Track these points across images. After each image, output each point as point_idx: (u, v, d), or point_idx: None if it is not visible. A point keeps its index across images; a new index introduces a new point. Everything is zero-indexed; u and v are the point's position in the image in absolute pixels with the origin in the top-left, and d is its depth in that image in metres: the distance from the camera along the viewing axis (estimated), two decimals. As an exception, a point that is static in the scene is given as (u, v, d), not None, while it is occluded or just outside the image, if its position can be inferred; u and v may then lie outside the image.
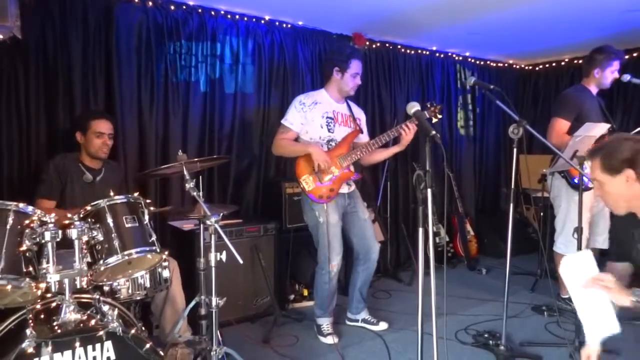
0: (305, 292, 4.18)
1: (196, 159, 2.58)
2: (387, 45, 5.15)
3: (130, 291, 2.51)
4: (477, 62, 6.05)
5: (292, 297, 4.16)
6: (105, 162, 3.18)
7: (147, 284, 2.59)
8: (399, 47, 5.26)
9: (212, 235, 2.42)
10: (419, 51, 5.45)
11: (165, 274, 2.70)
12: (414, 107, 2.21)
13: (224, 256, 2.43)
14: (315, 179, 3.22)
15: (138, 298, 2.58)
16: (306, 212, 3.38)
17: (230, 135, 4.17)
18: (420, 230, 1.82)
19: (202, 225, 2.88)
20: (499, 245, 5.56)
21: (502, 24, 4.49)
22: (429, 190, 1.80)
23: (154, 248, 2.27)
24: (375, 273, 3.77)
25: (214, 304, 2.49)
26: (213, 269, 2.46)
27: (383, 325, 3.62)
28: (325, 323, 3.45)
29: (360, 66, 3.35)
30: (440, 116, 3.47)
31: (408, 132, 3.25)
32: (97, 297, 2.22)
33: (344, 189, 3.38)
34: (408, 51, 5.35)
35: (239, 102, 4.19)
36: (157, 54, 3.74)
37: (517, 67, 6.49)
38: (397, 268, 5.12)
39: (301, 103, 3.30)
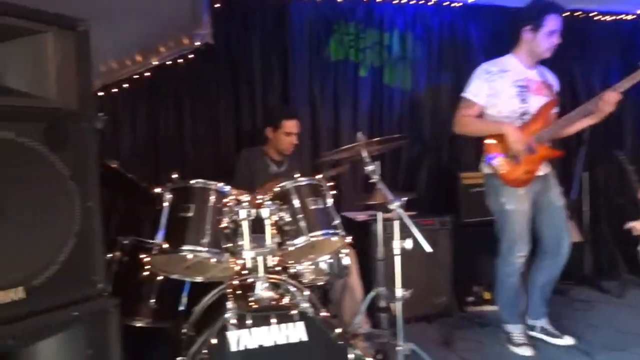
0: (487, 296, 3.74)
1: (376, 138, 2.44)
2: (577, 14, 4.42)
3: (313, 276, 2.48)
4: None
5: (471, 299, 3.77)
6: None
7: (328, 270, 2.54)
8: (593, 14, 4.47)
9: (396, 222, 2.25)
10: (619, 17, 4.55)
11: (346, 261, 2.62)
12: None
13: (408, 244, 2.23)
14: (510, 161, 2.80)
15: (319, 283, 2.54)
16: (490, 196, 2.95)
17: (400, 122, 4.01)
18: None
19: (381, 213, 2.76)
20: None
21: None
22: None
23: (337, 231, 2.19)
24: (568, 279, 3.15)
25: (398, 295, 2.31)
26: (397, 258, 2.29)
27: (568, 340, 2.97)
28: (517, 331, 2.98)
29: (558, 22, 2.80)
30: None
31: (609, 101, 2.65)
32: (286, 278, 2.24)
33: (541, 171, 2.89)
34: (604, 18, 4.51)
35: (408, 87, 4.01)
36: (326, 45, 3.79)
37: None
38: (598, 275, 4.29)
39: (487, 72, 2.88)
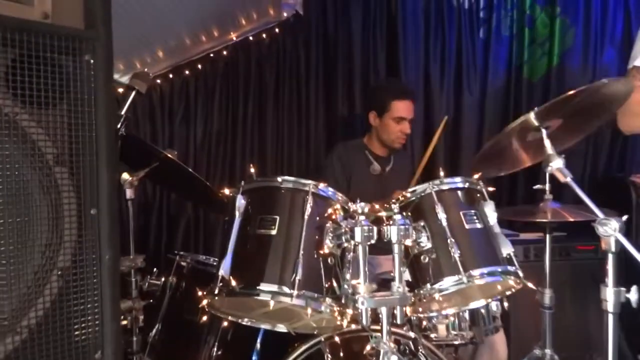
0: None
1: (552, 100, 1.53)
2: None
3: (452, 330, 1.63)
4: None
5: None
6: (393, 148, 2.48)
7: (472, 322, 1.67)
8: None
9: (610, 257, 1.33)
10: None
11: (496, 308, 1.73)
12: None
13: (634, 295, 1.30)
14: None
15: (457, 343, 1.68)
16: None
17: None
18: None
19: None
20: None
21: None
22: None
23: (511, 268, 1.32)
24: None
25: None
26: (610, 317, 1.36)
27: None
28: None
29: None
30: None
31: None
32: (415, 336, 1.42)
33: None
34: None
35: (556, 66, 2.99)
36: (449, 14, 2.91)
37: None
38: None
39: None
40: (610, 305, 1.33)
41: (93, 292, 0.75)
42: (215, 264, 1.81)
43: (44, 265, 0.72)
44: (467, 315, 1.65)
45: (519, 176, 2.91)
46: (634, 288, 1.32)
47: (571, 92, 1.38)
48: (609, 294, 1.34)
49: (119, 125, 1.26)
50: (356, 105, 2.87)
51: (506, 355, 1.98)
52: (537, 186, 1.82)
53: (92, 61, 0.74)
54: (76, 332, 0.75)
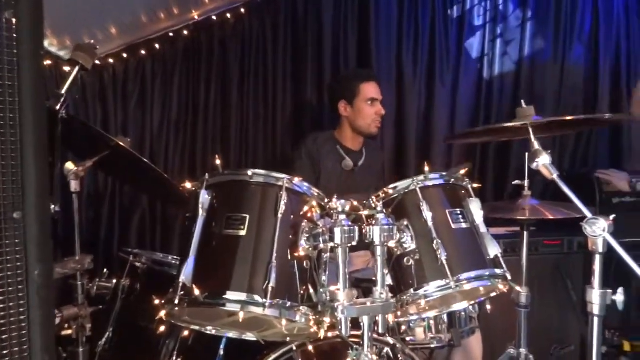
0: (627, 347, 2.68)
1: (556, 118, 1.47)
2: None
3: (428, 333, 1.54)
4: None
5: (604, 349, 2.72)
6: (365, 142, 2.37)
7: (449, 324, 1.59)
8: None
9: (597, 258, 1.27)
10: None
11: (473, 309, 1.67)
12: None
13: (620, 298, 1.24)
14: None
15: (434, 346, 1.59)
16: None
17: (512, 109, 2.94)
18: None
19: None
20: None
21: None
22: None
23: (499, 271, 1.24)
24: None
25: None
26: (596, 319, 1.30)
27: None
28: None
29: None
30: None
31: None
32: (394, 342, 1.32)
33: None
34: None
35: (531, 61, 2.96)
36: (423, 7, 2.82)
37: None
38: None
39: None
40: (596, 308, 1.28)
41: (18, 319, 0.59)
42: (174, 262, 1.66)
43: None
44: (445, 317, 1.57)
45: (508, 171, 2.88)
46: (620, 290, 1.28)
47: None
48: (595, 297, 1.29)
49: (58, 107, 1.07)
50: (325, 94, 2.72)
51: (481, 356, 1.92)
52: (516, 182, 1.77)
53: (13, 20, 0.56)
54: (-4, 369, 0.58)
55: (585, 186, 2.74)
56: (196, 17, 2.65)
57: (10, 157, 0.55)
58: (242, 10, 2.71)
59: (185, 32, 2.66)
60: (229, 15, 2.70)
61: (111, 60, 2.54)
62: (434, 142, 2.83)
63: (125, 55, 2.58)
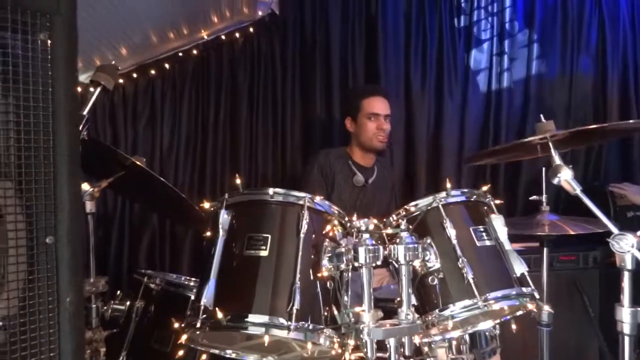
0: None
1: (576, 128, 1.46)
2: None
3: (449, 354, 1.50)
4: None
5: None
6: (377, 158, 2.36)
7: (471, 344, 1.56)
8: None
9: (626, 275, 1.24)
10: None
11: (494, 328, 1.63)
12: None
13: None
14: None
15: (456, 365, 1.55)
16: None
17: (522, 123, 2.95)
18: None
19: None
20: None
21: None
22: None
23: (526, 290, 1.21)
24: None
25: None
26: (627, 340, 1.27)
27: None
28: None
29: None
30: None
31: None
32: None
33: None
34: None
35: (536, 76, 2.96)
36: (430, 21, 2.83)
37: None
38: None
39: None
40: (627, 327, 1.24)
41: (49, 348, 0.56)
42: (187, 283, 1.63)
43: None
44: (466, 337, 1.53)
45: (518, 187, 2.86)
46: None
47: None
48: (625, 315, 1.25)
49: (80, 128, 1.06)
50: (334, 111, 2.72)
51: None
52: (534, 197, 1.75)
53: (49, 42, 0.55)
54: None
55: (599, 200, 2.72)
56: (205, 37, 2.68)
57: (44, 181, 0.54)
58: (251, 29, 2.73)
59: (195, 52, 2.68)
60: (237, 35, 2.72)
61: (121, 80, 2.54)
62: (444, 157, 2.81)
63: (135, 75, 2.59)
